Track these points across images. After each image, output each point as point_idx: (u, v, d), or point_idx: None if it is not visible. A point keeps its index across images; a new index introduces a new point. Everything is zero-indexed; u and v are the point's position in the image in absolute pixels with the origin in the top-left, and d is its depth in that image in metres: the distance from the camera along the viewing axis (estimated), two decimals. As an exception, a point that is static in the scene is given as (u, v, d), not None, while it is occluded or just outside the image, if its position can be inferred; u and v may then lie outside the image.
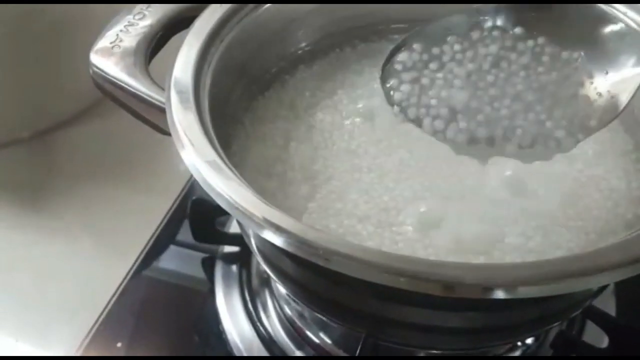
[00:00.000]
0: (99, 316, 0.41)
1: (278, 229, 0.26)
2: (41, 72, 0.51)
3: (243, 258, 0.44)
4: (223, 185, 0.27)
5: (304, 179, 0.34)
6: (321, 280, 0.30)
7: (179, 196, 0.48)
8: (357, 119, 0.37)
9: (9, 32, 0.47)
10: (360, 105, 0.37)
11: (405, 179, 0.33)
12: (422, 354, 0.39)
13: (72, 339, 0.40)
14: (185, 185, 0.49)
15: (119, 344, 0.40)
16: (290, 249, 0.26)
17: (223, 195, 0.27)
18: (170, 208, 0.47)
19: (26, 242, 0.46)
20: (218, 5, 0.35)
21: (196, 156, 0.28)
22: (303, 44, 0.40)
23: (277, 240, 0.26)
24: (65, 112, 0.54)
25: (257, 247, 0.33)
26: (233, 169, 0.28)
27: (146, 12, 0.36)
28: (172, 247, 0.46)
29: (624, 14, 0.35)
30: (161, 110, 0.32)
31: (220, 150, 0.29)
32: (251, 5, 0.36)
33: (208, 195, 0.41)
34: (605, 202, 0.33)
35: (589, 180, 0.34)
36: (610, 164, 0.35)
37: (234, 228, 0.46)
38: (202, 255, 0.45)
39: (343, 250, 0.25)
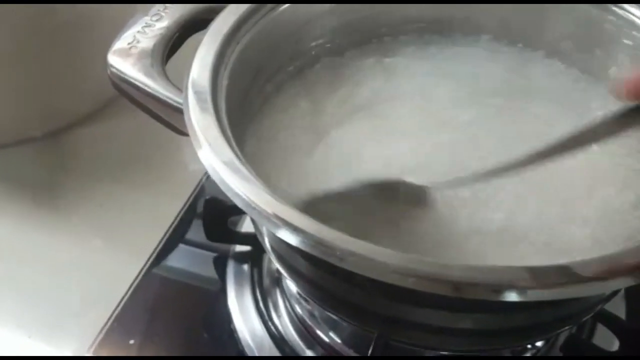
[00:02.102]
0: (112, 313, 0.42)
1: (295, 229, 0.26)
2: (54, 71, 0.51)
3: (254, 257, 0.45)
4: (240, 184, 0.27)
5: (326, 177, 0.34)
6: (335, 280, 0.31)
7: (190, 196, 0.49)
8: (374, 115, 0.37)
9: (23, 31, 0.48)
10: (375, 105, 0.38)
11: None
12: (431, 356, 0.40)
13: (85, 335, 0.41)
14: (197, 185, 0.49)
15: (131, 341, 0.40)
16: (306, 249, 0.26)
17: (240, 195, 0.27)
18: (182, 208, 0.48)
19: (39, 240, 0.47)
20: (234, 6, 0.36)
21: (214, 156, 0.28)
22: (318, 44, 0.40)
23: (293, 239, 0.26)
24: (78, 111, 0.54)
25: (270, 245, 0.34)
26: (250, 168, 0.28)
27: (163, 14, 0.36)
28: (184, 246, 0.46)
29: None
30: (178, 111, 0.32)
31: (237, 150, 0.29)
32: (267, 7, 0.37)
33: (221, 195, 0.41)
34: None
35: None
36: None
37: (245, 227, 0.46)
38: (214, 254, 0.46)
39: (357, 250, 0.26)
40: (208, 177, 0.50)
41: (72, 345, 0.40)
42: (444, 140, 0.36)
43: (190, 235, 0.47)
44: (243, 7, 0.36)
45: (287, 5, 0.37)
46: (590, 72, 0.40)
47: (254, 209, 0.27)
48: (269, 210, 0.27)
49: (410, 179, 0.33)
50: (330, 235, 0.26)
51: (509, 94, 0.39)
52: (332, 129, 0.37)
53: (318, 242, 0.26)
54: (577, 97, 0.39)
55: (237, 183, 0.27)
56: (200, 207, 0.47)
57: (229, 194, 0.28)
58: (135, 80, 0.33)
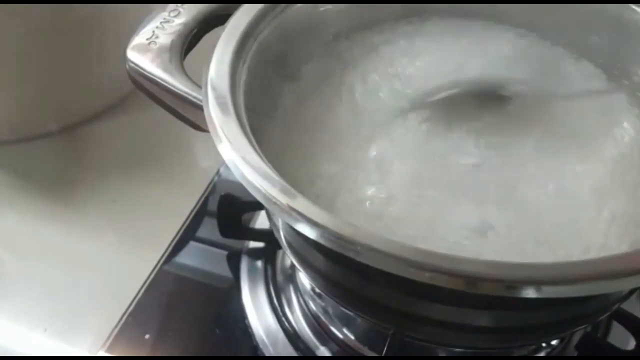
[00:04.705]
0: (127, 309, 0.42)
1: (315, 224, 0.26)
2: (71, 67, 0.51)
3: (268, 254, 0.45)
4: (260, 179, 0.28)
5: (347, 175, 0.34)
6: (351, 274, 0.31)
7: (204, 192, 0.49)
8: (395, 110, 0.37)
9: (41, 27, 0.48)
10: (396, 100, 0.38)
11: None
12: (445, 355, 0.40)
13: (100, 330, 0.41)
14: (209, 183, 0.49)
15: (146, 336, 0.41)
16: (325, 243, 0.26)
17: (260, 190, 0.27)
18: (197, 204, 0.48)
19: (55, 235, 0.47)
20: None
21: (234, 151, 0.28)
22: (337, 39, 0.40)
23: (313, 234, 0.26)
24: (94, 107, 0.54)
25: (286, 240, 0.34)
26: (269, 163, 0.29)
27: (181, 10, 0.36)
28: (198, 243, 0.46)
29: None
30: (196, 106, 0.32)
31: (257, 146, 0.29)
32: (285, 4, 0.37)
33: (235, 192, 0.42)
34: None
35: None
36: None
37: (259, 224, 0.46)
38: (227, 251, 0.46)
39: (376, 244, 0.26)
40: (220, 174, 0.50)
41: (88, 339, 0.41)
42: None
43: (203, 232, 0.47)
44: (260, 3, 0.36)
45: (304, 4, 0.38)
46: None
47: (275, 203, 0.27)
48: (289, 205, 0.27)
49: None
50: (350, 230, 0.26)
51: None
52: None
53: (338, 237, 0.26)
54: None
55: (257, 177, 0.28)
56: (212, 204, 0.48)
57: (250, 189, 0.28)
58: (154, 75, 0.34)
